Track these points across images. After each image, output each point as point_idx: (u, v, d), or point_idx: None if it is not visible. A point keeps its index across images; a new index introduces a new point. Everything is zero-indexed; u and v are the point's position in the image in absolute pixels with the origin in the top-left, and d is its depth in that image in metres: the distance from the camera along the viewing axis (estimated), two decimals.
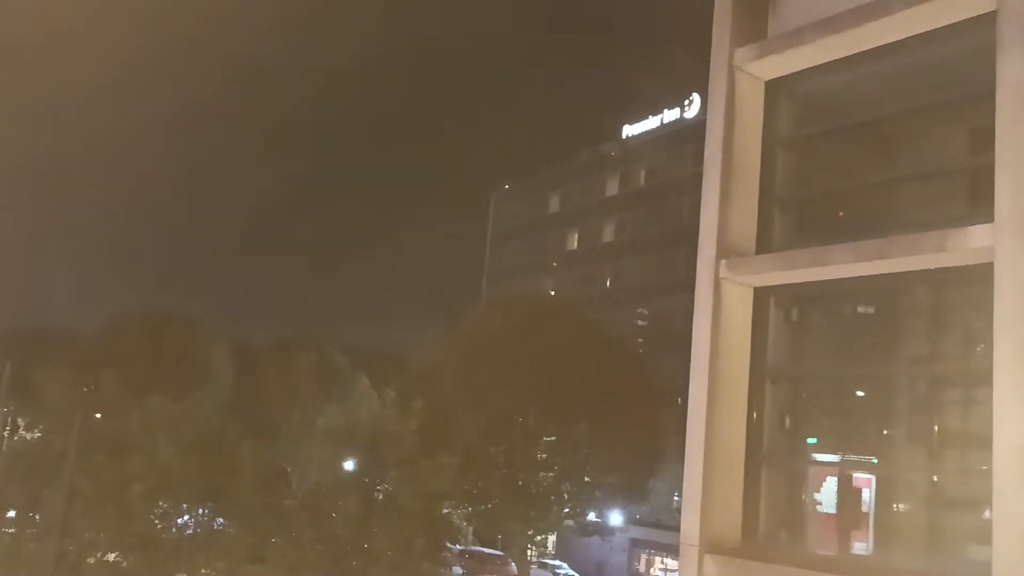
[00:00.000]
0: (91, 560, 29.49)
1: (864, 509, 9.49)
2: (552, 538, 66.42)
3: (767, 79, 10.86)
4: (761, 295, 10.47)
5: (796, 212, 10.92)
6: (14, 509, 31.82)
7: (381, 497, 30.51)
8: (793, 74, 10.70)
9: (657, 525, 59.70)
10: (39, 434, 37.29)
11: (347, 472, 31.36)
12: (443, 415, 42.49)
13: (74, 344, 58.96)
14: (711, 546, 9.50)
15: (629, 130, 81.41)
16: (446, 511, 41.83)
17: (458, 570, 54.04)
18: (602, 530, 58.86)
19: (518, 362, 49.87)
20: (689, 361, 10.28)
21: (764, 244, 10.53)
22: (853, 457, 9.96)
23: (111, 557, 29.49)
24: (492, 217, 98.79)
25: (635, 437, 51.74)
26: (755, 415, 10.21)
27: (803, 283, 10.09)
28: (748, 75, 10.78)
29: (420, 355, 63.54)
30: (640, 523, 62.40)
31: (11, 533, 31.36)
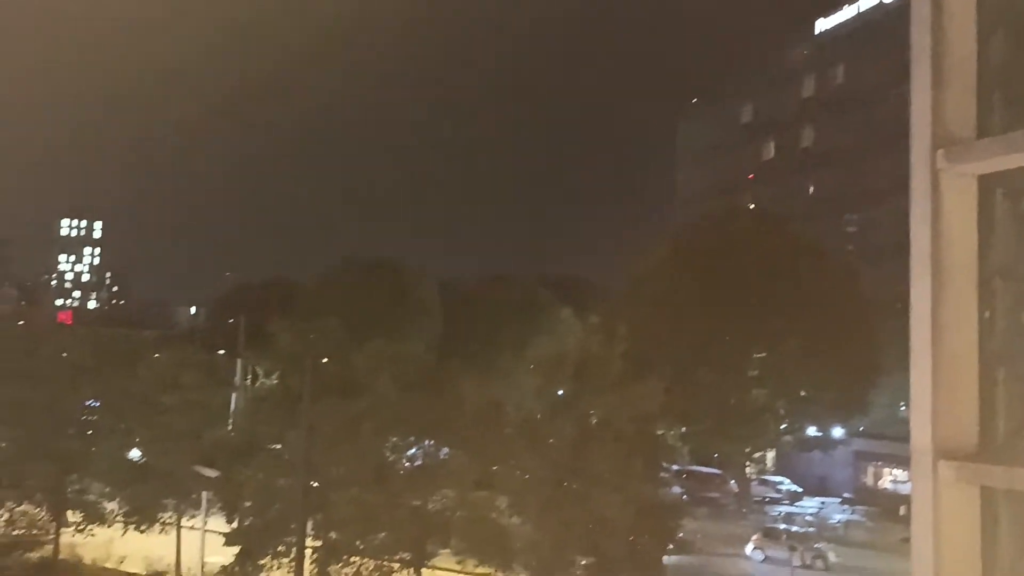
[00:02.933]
0: (334, 495, 31.90)
1: None
2: (771, 454, 65.51)
3: None
4: (985, 184, 9.69)
5: (1021, 88, 9.97)
6: (261, 450, 34.75)
7: (595, 421, 31.04)
8: None
9: (882, 436, 57.47)
10: (275, 380, 40.53)
11: (559, 399, 32.09)
12: (649, 338, 42.47)
13: (297, 293, 63.47)
14: (945, 453, 9.05)
15: (823, 24, 76.73)
16: (660, 432, 42.06)
17: (677, 490, 54.37)
18: (823, 444, 57.44)
19: (722, 279, 48.96)
20: (906, 266, 9.72)
21: (985, 128, 9.71)
22: None
23: (353, 491, 31.74)
24: (681, 134, 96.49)
25: (852, 348, 49.78)
26: (987, 314, 9.56)
27: None
28: None
29: (620, 280, 63.62)
30: (864, 435, 60.30)
31: (262, 473, 34.30)
